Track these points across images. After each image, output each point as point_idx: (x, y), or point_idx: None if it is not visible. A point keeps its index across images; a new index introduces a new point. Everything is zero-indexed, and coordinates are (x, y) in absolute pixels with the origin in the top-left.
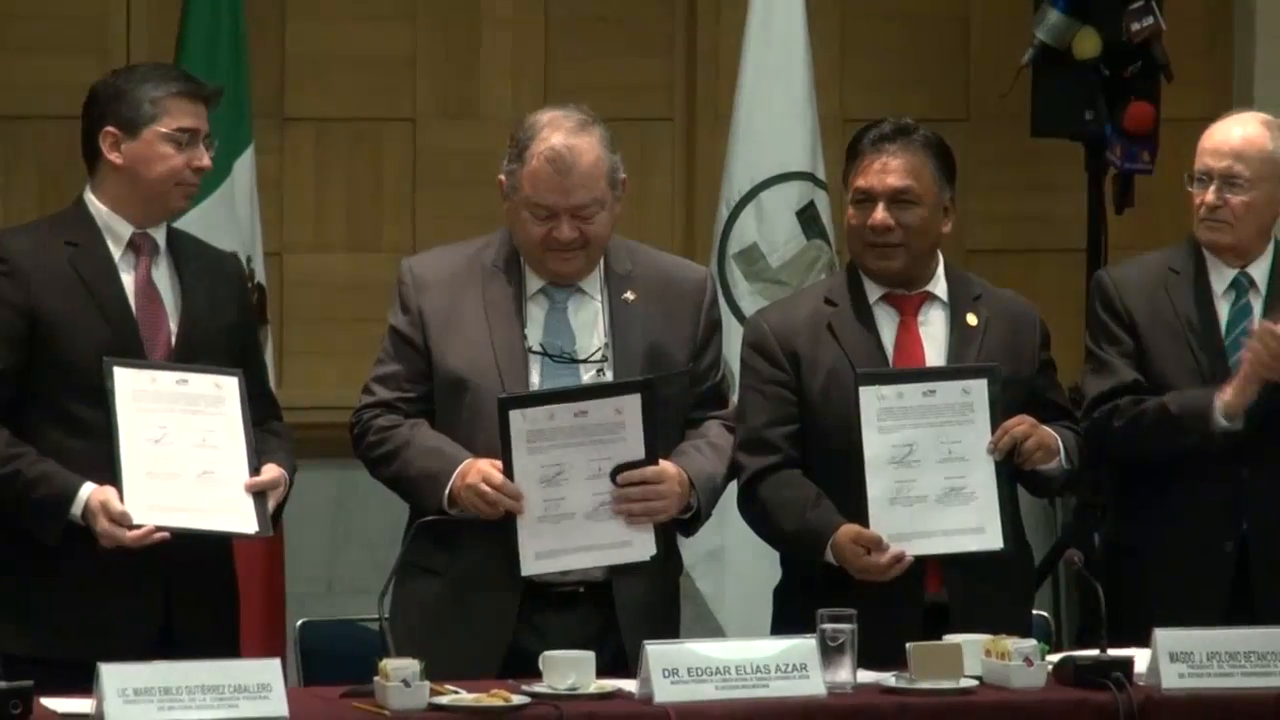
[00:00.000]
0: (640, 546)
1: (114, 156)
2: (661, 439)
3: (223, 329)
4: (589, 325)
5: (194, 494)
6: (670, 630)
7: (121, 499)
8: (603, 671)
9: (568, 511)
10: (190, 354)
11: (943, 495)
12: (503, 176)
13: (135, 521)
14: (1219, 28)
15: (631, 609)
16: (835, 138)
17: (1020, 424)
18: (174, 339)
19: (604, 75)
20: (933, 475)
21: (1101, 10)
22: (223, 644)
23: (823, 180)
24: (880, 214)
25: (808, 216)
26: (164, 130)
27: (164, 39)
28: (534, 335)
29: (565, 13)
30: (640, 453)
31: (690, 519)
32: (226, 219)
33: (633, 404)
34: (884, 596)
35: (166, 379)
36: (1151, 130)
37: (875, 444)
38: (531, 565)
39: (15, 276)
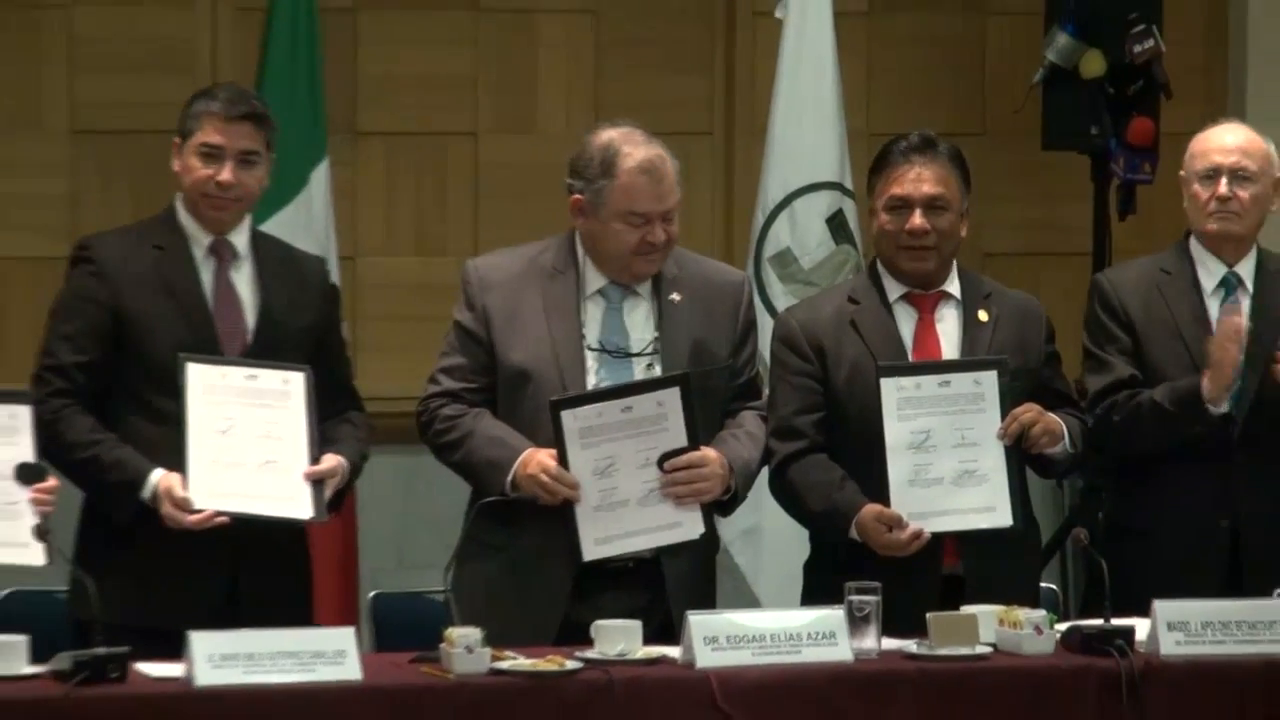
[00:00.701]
0: (690, 526)
1: (176, 164)
2: (703, 428)
3: (302, 328)
4: (640, 323)
5: (255, 482)
6: (709, 602)
7: (186, 485)
8: (648, 638)
9: (621, 499)
10: (266, 351)
11: (957, 477)
12: (579, 195)
13: (196, 506)
14: (1214, 50)
15: (678, 583)
16: (862, 150)
17: (1028, 411)
18: (250, 336)
19: (649, 93)
20: (948, 459)
21: (1106, 34)
22: (293, 613)
23: (850, 190)
24: (918, 219)
25: (836, 223)
26: (195, 144)
27: (246, 61)
28: (591, 332)
29: (613, 35)
30: (683, 440)
31: (729, 500)
32: (304, 225)
33: (672, 396)
34: (904, 570)
35: (236, 374)
36: (1152, 143)
37: (895, 431)
38: (592, 551)
39: (103, 277)
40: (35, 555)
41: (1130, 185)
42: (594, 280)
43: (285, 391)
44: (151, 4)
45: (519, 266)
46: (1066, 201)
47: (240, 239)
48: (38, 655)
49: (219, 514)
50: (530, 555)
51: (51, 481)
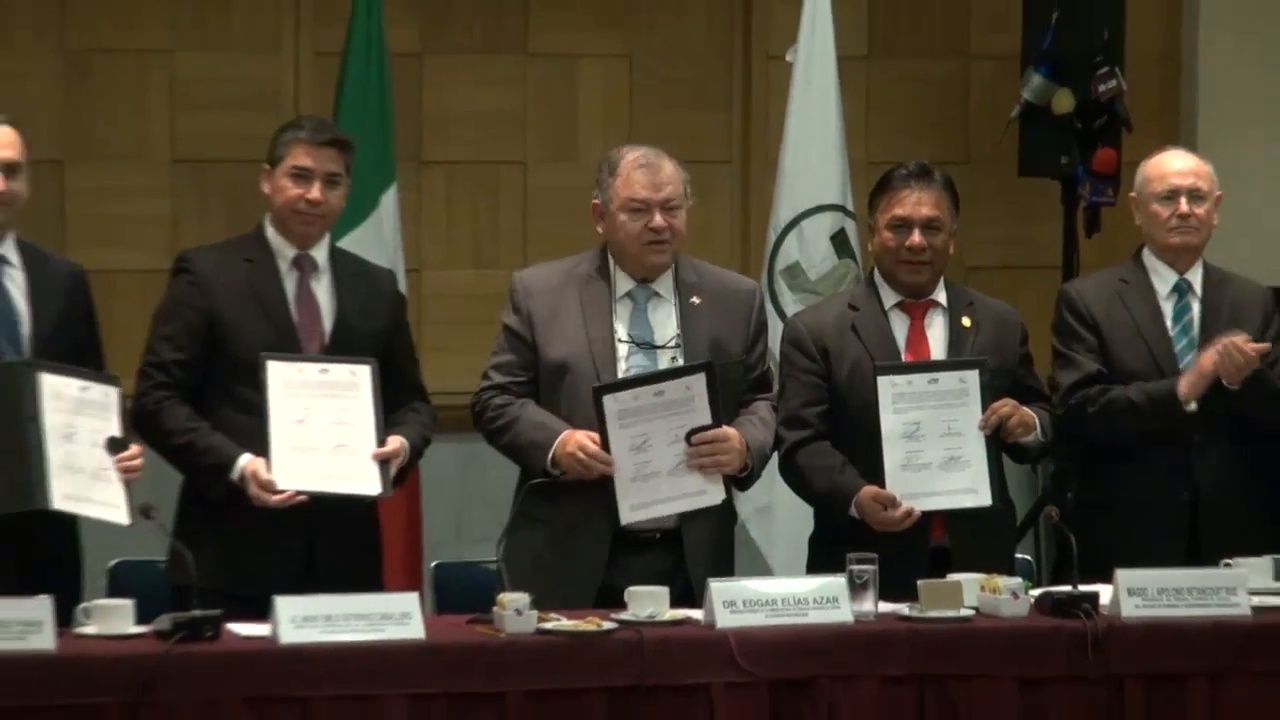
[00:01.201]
0: (713, 493)
1: (266, 187)
2: (727, 413)
3: (372, 332)
4: (664, 321)
5: (329, 464)
6: (727, 569)
7: (269, 469)
8: (674, 602)
9: (654, 471)
10: (340, 351)
11: (944, 463)
12: (596, 201)
13: (279, 487)
14: (1168, 90)
15: (697, 551)
16: (861, 177)
17: (1005, 405)
18: (327, 338)
19: (675, 127)
20: (936, 447)
21: (1075, 75)
22: (365, 579)
23: (851, 211)
24: (917, 237)
25: (839, 240)
26: (287, 167)
27: (324, 100)
28: (621, 329)
29: (644, 76)
30: (708, 419)
31: (746, 477)
32: (375, 242)
33: (699, 382)
34: (898, 543)
35: (310, 369)
36: (1115, 171)
37: (890, 422)
38: (628, 515)
39: (200, 285)
40: (121, 515)
41: (1096, 207)
42: (623, 284)
43: (354, 383)
44: (242, 50)
45: (558, 275)
46: (1040, 222)
47: (320, 254)
48: (142, 617)
49: (298, 494)
50: (570, 527)
51: (133, 449)
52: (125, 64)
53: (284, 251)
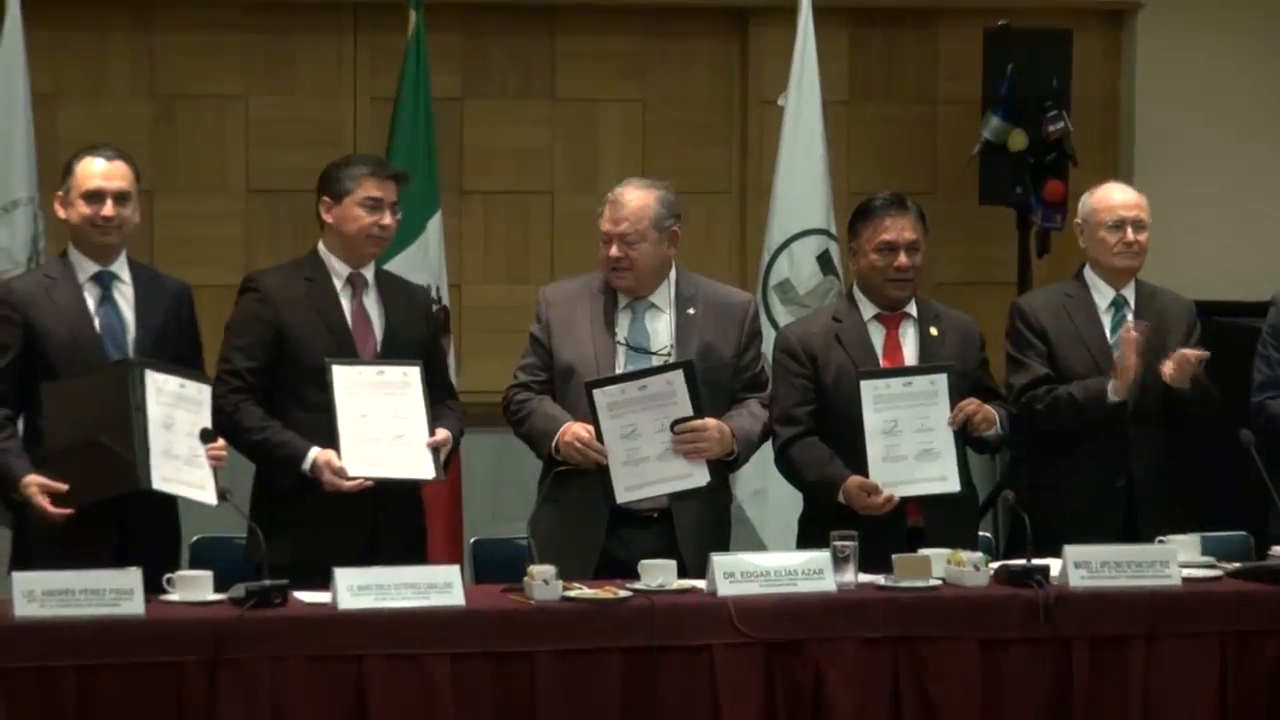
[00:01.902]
0: (698, 476)
1: (328, 218)
2: (714, 411)
3: (413, 339)
4: (661, 330)
5: (389, 453)
6: (719, 545)
7: (340, 459)
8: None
9: (643, 456)
10: (390, 356)
11: (918, 455)
12: None
13: (350, 474)
14: (1110, 130)
15: (687, 530)
16: (843, 205)
17: (970, 404)
18: (379, 346)
19: (682, 161)
20: (911, 441)
21: (1028, 118)
22: (414, 554)
23: (834, 234)
24: (904, 259)
25: (824, 260)
26: (359, 199)
27: (379, 138)
28: (622, 336)
29: (656, 118)
30: (689, 410)
31: (732, 462)
32: (421, 261)
33: (678, 377)
34: (879, 525)
35: (369, 371)
36: (1063, 200)
37: (871, 420)
38: (623, 496)
39: (267, 302)
40: (210, 496)
41: (1046, 232)
42: (624, 297)
43: (405, 382)
44: (308, 95)
45: (575, 290)
46: (997, 244)
47: (368, 273)
48: (219, 586)
49: (367, 479)
50: (575, 505)
51: (220, 442)
52: (206, 107)
53: (339, 271)
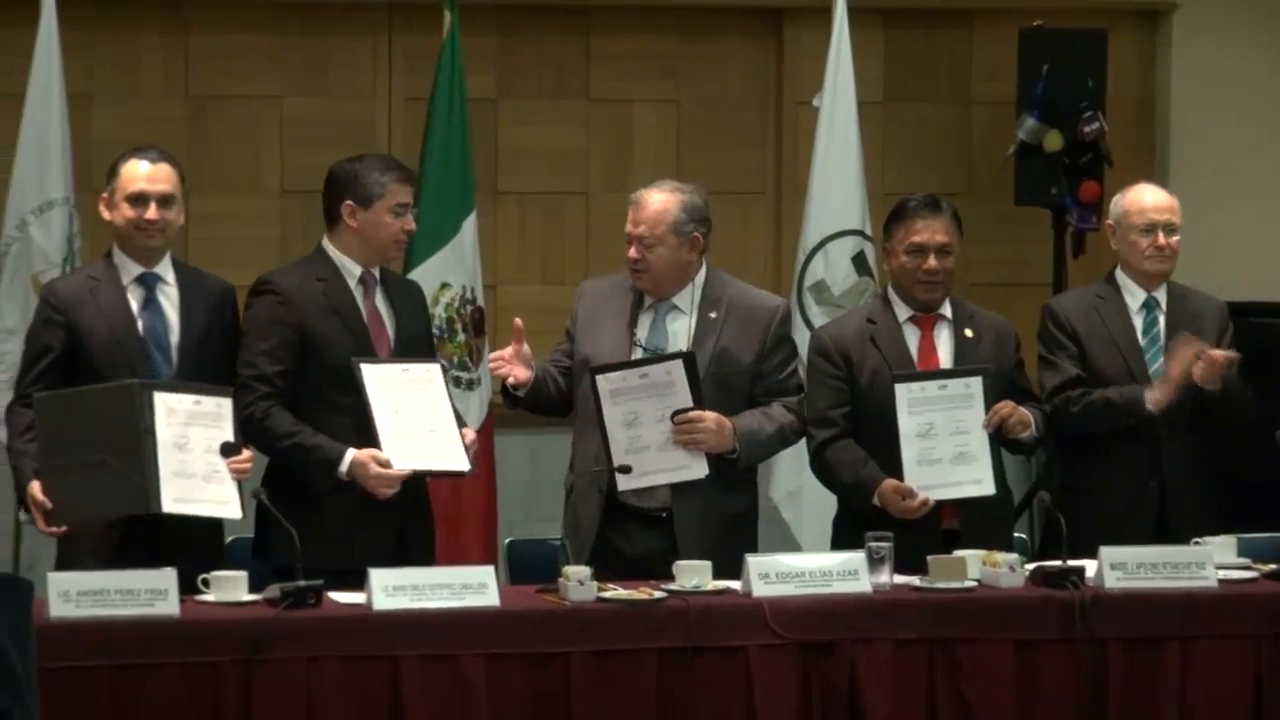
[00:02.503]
0: (697, 468)
1: (352, 222)
2: (726, 414)
3: (419, 336)
4: (679, 332)
5: (424, 445)
6: (718, 551)
7: (382, 453)
8: (668, 574)
9: (644, 445)
10: (404, 352)
11: (953, 458)
12: None
13: (396, 466)
14: (1145, 130)
15: (687, 530)
16: (878, 205)
17: (1005, 406)
18: (393, 344)
19: (717, 162)
20: (946, 444)
21: (1064, 118)
22: (430, 556)
23: (869, 235)
24: (934, 261)
25: (859, 260)
26: (390, 205)
27: (413, 139)
28: (641, 335)
29: (691, 119)
30: (689, 401)
31: (734, 460)
32: (457, 262)
33: (677, 368)
34: (913, 526)
35: (394, 369)
36: (1098, 201)
37: (906, 423)
38: (623, 484)
39: (289, 304)
40: (233, 510)
41: (1081, 233)
42: (649, 298)
43: (429, 379)
44: (342, 96)
45: (609, 286)
46: (1032, 245)
47: (376, 271)
48: (253, 586)
49: (413, 471)
50: (575, 496)
51: (245, 454)
52: (240, 108)
53: (351, 270)
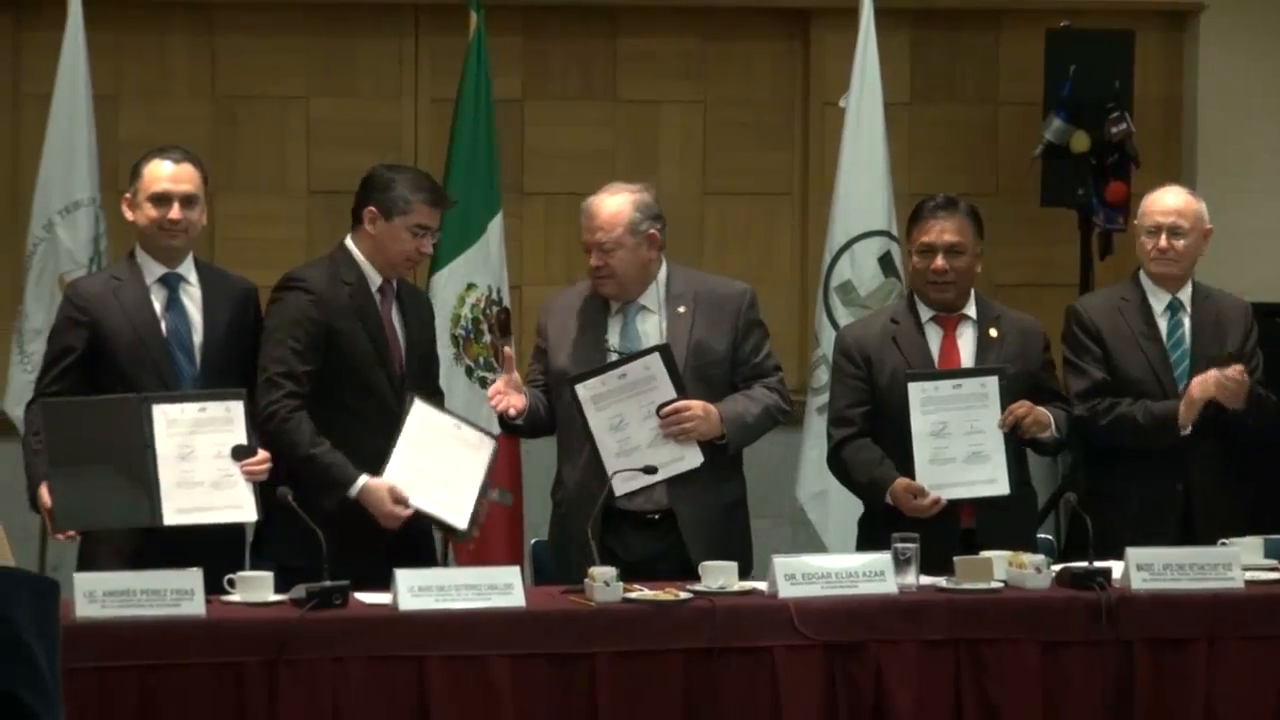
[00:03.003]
0: (691, 458)
1: (370, 228)
2: (710, 399)
3: (427, 353)
4: (651, 332)
5: (433, 491)
6: (722, 542)
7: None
8: (672, 575)
9: (635, 446)
10: (412, 361)
11: (967, 457)
12: None
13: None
14: (1171, 130)
15: (689, 526)
16: (905, 206)
17: (1021, 407)
18: (404, 357)
19: (743, 163)
20: (960, 444)
21: (1090, 119)
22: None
23: (896, 236)
24: (940, 261)
25: (885, 261)
26: (410, 223)
27: (439, 140)
28: (613, 339)
29: (717, 119)
30: (672, 393)
31: (724, 445)
32: (482, 262)
33: (655, 361)
34: (933, 527)
35: (449, 421)
36: (1125, 202)
37: (919, 422)
38: (620, 488)
39: (319, 304)
40: (247, 514)
41: (1108, 233)
42: (615, 303)
43: (481, 444)
44: (369, 97)
45: (574, 297)
46: (1059, 245)
47: (393, 282)
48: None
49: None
50: (567, 504)
51: (260, 455)
52: (267, 109)
53: (373, 277)
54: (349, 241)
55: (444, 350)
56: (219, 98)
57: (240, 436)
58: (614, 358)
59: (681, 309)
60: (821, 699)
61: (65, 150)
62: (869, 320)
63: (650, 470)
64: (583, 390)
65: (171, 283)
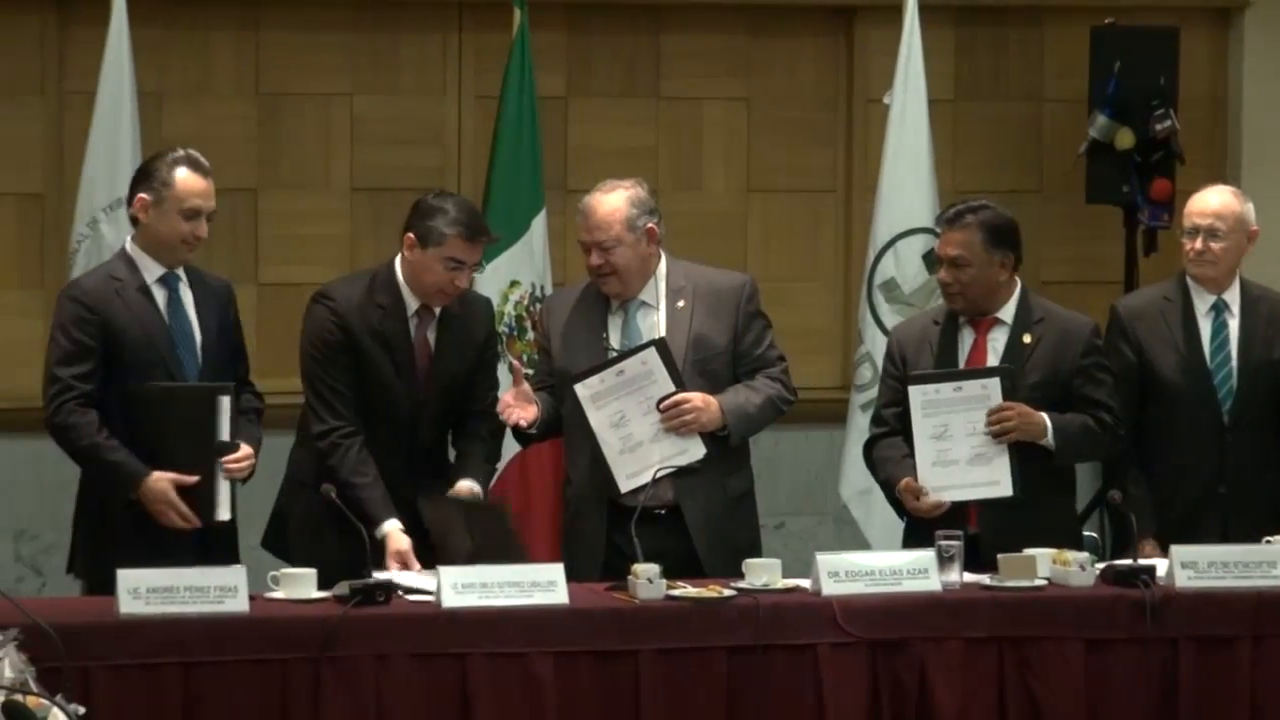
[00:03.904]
0: (693, 450)
1: (408, 254)
2: (712, 393)
3: (460, 372)
4: (651, 328)
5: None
6: (729, 536)
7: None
8: (680, 571)
9: (637, 441)
10: (436, 389)
11: (970, 459)
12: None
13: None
14: (1216, 128)
15: (698, 522)
16: (949, 203)
17: (1008, 410)
18: (432, 375)
19: (787, 160)
20: (963, 445)
21: (1135, 116)
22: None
23: (940, 234)
24: (943, 274)
25: (929, 259)
26: (442, 255)
27: (483, 137)
28: (614, 337)
29: (761, 117)
30: (670, 387)
31: (725, 436)
32: (526, 260)
33: (651, 355)
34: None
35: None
36: (1170, 199)
37: (921, 425)
38: (626, 484)
39: (342, 323)
40: (224, 513)
41: (1153, 231)
42: (614, 300)
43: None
44: (412, 94)
45: (574, 296)
46: (1104, 243)
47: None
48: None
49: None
50: (574, 504)
51: (242, 450)
52: (311, 106)
53: (410, 302)
54: (397, 263)
55: None
56: (263, 95)
57: (224, 432)
58: (614, 355)
59: (681, 303)
60: (865, 697)
61: (109, 148)
62: (914, 320)
63: (673, 469)
64: (582, 389)
65: (171, 283)
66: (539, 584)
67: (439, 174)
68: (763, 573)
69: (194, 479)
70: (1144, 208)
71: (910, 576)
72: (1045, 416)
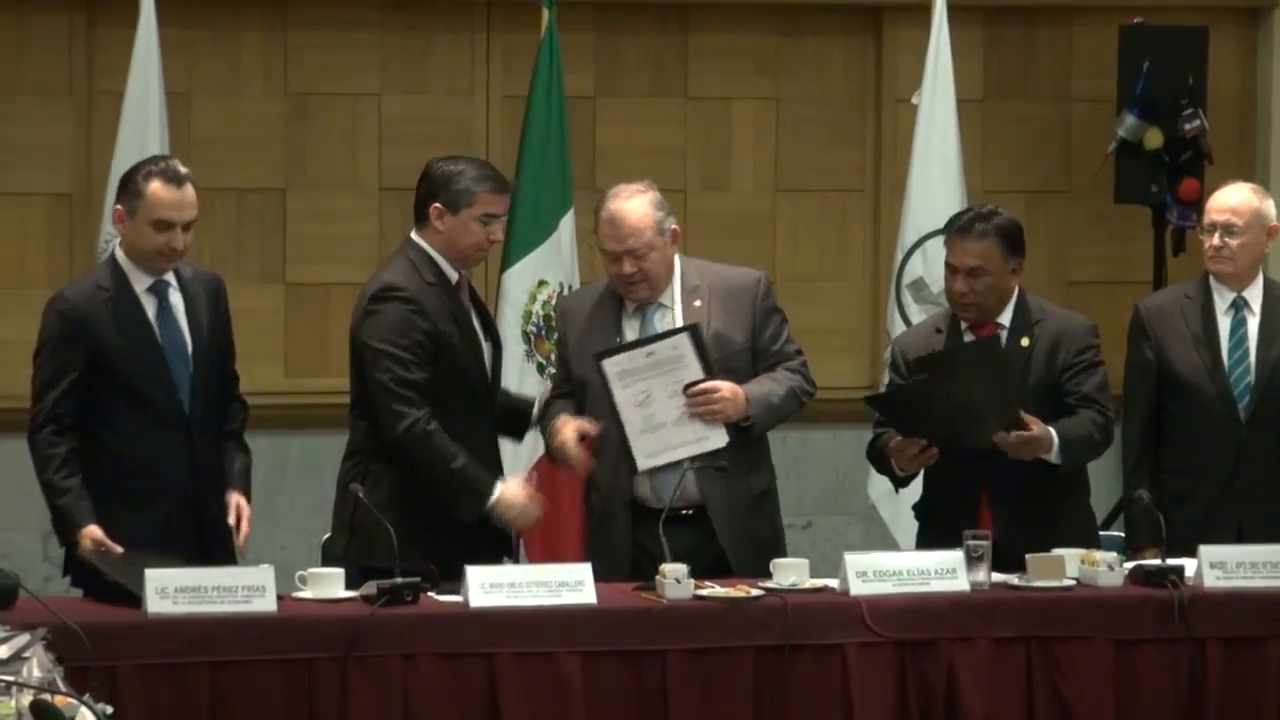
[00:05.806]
0: (715, 438)
1: (439, 224)
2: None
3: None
4: (668, 327)
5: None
6: (753, 534)
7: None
8: (707, 571)
9: (660, 422)
10: (495, 358)
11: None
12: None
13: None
14: (1245, 127)
15: (723, 521)
16: (977, 203)
17: (1013, 438)
18: (489, 353)
19: (816, 160)
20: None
21: (1164, 115)
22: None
23: None
24: (959, 284)
25: None
26: (477, 213)
27: (511, 137)
28: (630, 339)
29: (789, 116)
30: (700, 373)
31: (748, 427)
32: (555, 258)
33: (684, 341)
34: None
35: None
36: (1198, 199)
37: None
38: (644, 462)
39: (421, 312)
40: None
41: (1181, 230)
42: (630, 303)
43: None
44: (441, 94)
45: (589, 300)
46: (1133, 242)
47: (465, 276)
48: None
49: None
50: (600, 505)
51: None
52: (339, 105)
53: (450, 274)
54: (417, 239)
55: (516, 347)
56: (291, 94)
57: None
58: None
59: (697, 303)
60: (893, 697)
61: (138, 147)
62: (917, 328)
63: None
64: (609, 365)
65: (160, 290)
66: (567, 584)
67: None
68: (791, 573)
69: (117, 549)
70: (1173, 207)
71: (938, 577)
72: (1052, 431)
